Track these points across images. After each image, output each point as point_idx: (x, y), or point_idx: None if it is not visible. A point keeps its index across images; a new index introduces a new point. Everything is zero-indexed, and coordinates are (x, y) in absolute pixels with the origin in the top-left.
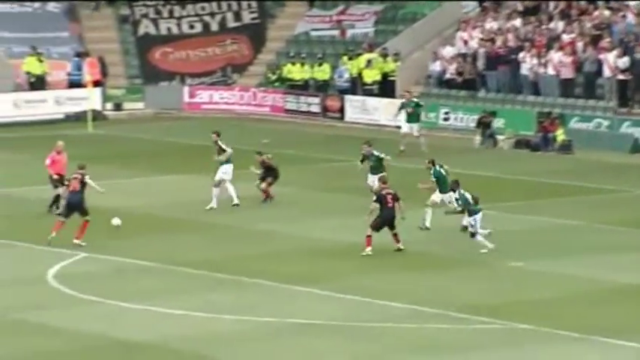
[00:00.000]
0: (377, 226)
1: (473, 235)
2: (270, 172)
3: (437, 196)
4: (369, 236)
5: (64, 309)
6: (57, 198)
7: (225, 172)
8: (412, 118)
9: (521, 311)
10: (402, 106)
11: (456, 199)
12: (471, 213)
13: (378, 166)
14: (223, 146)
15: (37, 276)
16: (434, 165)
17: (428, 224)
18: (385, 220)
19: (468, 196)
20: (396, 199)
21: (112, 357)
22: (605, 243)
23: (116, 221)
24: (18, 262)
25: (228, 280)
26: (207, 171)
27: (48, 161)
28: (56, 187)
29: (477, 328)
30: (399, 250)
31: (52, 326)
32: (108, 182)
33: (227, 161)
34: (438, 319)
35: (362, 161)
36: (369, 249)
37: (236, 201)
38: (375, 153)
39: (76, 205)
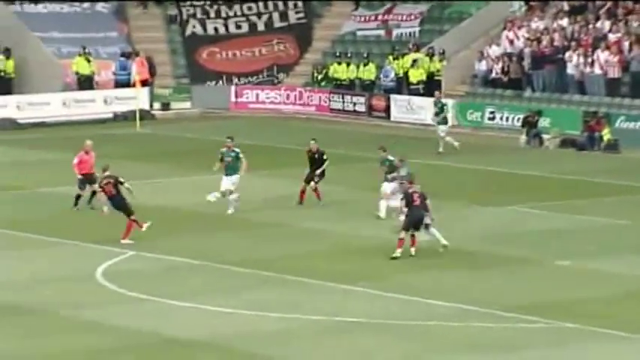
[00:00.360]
0: (407, 227)
1: (427, 226)
2: (316, 164)
3: (387, 187)
4: (400, 238)
5: (114, 306)
6: (78, 197)
7: (234, 182)
8: (438, 119)
9: (567, 310)
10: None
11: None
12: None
13: (392, 171)
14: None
15: (87, 274)
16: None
17: (382, 215)
18: (413, 219)
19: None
20: (423, 198)
21: (165, 354)
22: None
23: (212, 196)
24: (67, 259)
25: (274, 278)
26: (254, 169)
27: (76, 160)
28: (81, 187)
29: (523, 327)
30: (411, 255)
31: (103, 324)
32: (155, 181)
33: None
34: (483, 318)
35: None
36: (398, 251)
37: (232, 211)
38: (390, 158)
39: (119, 208)
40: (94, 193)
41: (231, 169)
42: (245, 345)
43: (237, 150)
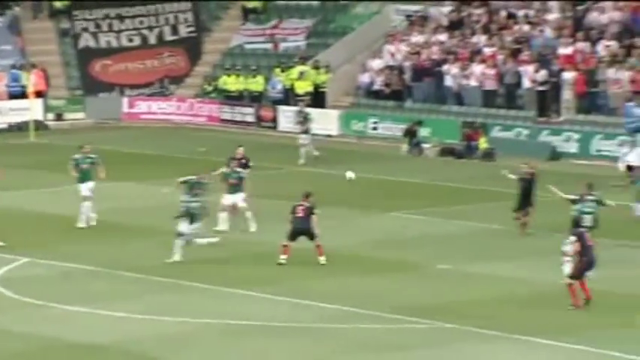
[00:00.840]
0: (290, 236)
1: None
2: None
3: (227, 199)
4: (284, 245)
5: (12, 312)
6: None
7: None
8: (302, 128)
9: (447, 311)
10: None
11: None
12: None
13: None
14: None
15: None
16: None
17: (223, 228)
18: (295, 230)
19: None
20: (309, 211)
21: (69, 358)
22: (526, 246)
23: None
24: None
25: (169, 284)
26: (146, 178)
27: None
28: None
29: (407, 328)
30: (322, 264)
31: (2, 330)
32: (50, 189)
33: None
34: (371, 320)
35: None
36: (282, 257)
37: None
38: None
39: None
40: None
41: (87, 175)
42: (143, 348)
43: (93, 156)
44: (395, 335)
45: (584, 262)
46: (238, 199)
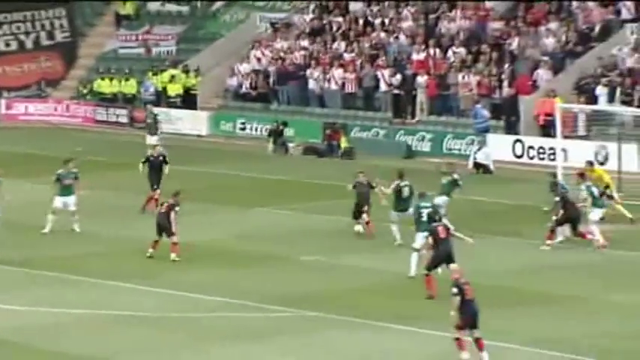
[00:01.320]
0: (157, 231)
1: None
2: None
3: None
4: (155, 241)
5: None
6: None
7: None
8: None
9: (312, 300)
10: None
11: None
12: None
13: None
14: None
15: None
16: None
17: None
18: (157, 225)
19: None
20: (170, 208)
21: None
22: (384, 240)
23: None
24: None
25: (45, 276)
26: (27, 177)
27: None
28: None
29: (273, 317)
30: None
31: None
32: None
33: None
34: (242, 309)
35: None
36: (150, 251)
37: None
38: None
39: None
40: None
41: (69, 189)
42: (21, 339)
43: (75, 171)
44: (264, 323)
45: (438, 255)
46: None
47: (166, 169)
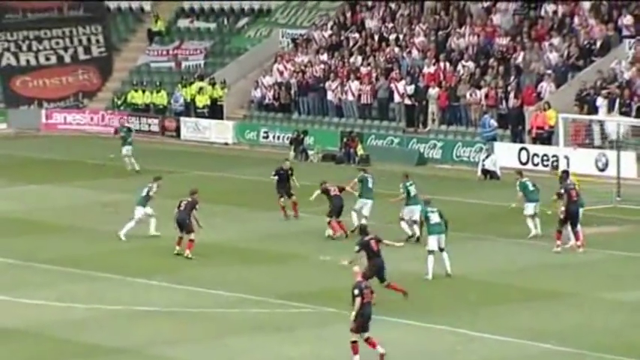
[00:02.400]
0: (177, 227)
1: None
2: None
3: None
4: (180, 237)
5: None
6: None
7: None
8: (123, 142)
9: (328, 297)
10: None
11: None
12: None
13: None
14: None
15: None
16: None
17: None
18: (176, 221)
19: None
20: (190, 206)
21: None
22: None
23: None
24: None
25: (79, 275)
26: (62, 182)
27: None
28: None
29: (292, 312)
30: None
31: None
32: None
33: None
34: (259, 305)
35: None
36: (177, 248)
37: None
38: None
39: None
40: None
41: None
42: (57, 332)
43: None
44: (281, 318)
45: (372, 267)
46: None
47: (295, 181)
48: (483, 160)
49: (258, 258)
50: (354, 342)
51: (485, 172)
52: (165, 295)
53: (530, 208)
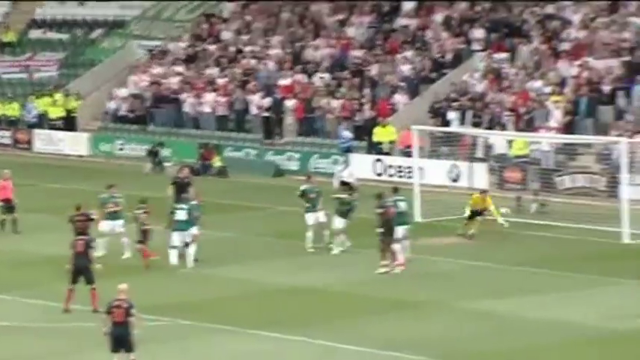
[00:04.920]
0: None
1: None
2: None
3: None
4: None
5: None
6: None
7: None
8: None
9: (184, 309)
10: None
11: None
12: None
13: None
14: None
15: None
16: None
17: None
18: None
19: None
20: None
21: None
22: (258, 251)
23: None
24: None
25: None
26: None
27: None
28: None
29: (149, 325)
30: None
31: None
32: None
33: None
34: None
35: None
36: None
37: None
38: None
39: None
40: None
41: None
42: None
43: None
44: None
45: (74, 268)
46: None
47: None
48: (340, 172)
49: (112, 272)
50: None
51: (343, 183)
52: (18, 310)
53: (400, 231)
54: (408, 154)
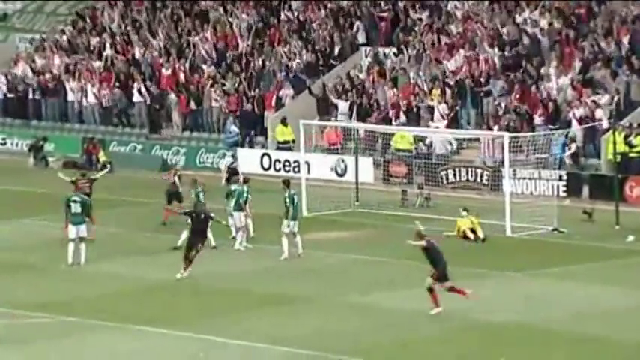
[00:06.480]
0: None
1: None
2: None
3: None
4: None
5: None
6: None
7: None
8: None
9: (72, 306)
10: None
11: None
12: None
13: None
14: None
15: None
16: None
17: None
18: None
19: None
20: None
21: None
22: (142, 246)
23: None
24: None
25: None
26: None
27: None
28: None
29: (32, 322)
30: None
31: None
32: None
33: None
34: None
35: None
36: None
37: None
38: None
39: None
40: None
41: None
42: None
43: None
44: (21, 329)
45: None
46: None
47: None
48: (228, 166)
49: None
50: None
51: (233, 173)
52: None
53: (289, 225)
54: (336, 153)
